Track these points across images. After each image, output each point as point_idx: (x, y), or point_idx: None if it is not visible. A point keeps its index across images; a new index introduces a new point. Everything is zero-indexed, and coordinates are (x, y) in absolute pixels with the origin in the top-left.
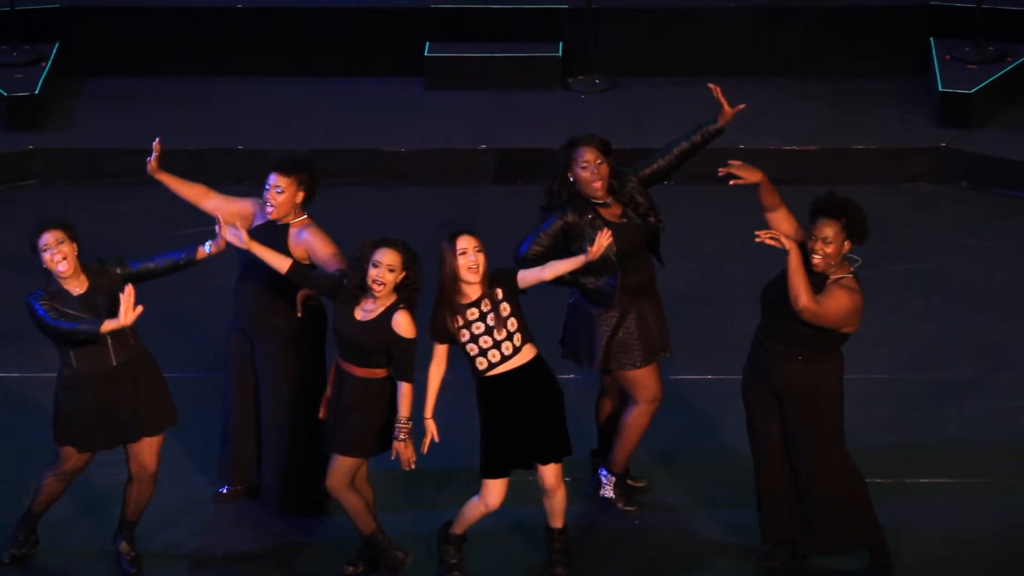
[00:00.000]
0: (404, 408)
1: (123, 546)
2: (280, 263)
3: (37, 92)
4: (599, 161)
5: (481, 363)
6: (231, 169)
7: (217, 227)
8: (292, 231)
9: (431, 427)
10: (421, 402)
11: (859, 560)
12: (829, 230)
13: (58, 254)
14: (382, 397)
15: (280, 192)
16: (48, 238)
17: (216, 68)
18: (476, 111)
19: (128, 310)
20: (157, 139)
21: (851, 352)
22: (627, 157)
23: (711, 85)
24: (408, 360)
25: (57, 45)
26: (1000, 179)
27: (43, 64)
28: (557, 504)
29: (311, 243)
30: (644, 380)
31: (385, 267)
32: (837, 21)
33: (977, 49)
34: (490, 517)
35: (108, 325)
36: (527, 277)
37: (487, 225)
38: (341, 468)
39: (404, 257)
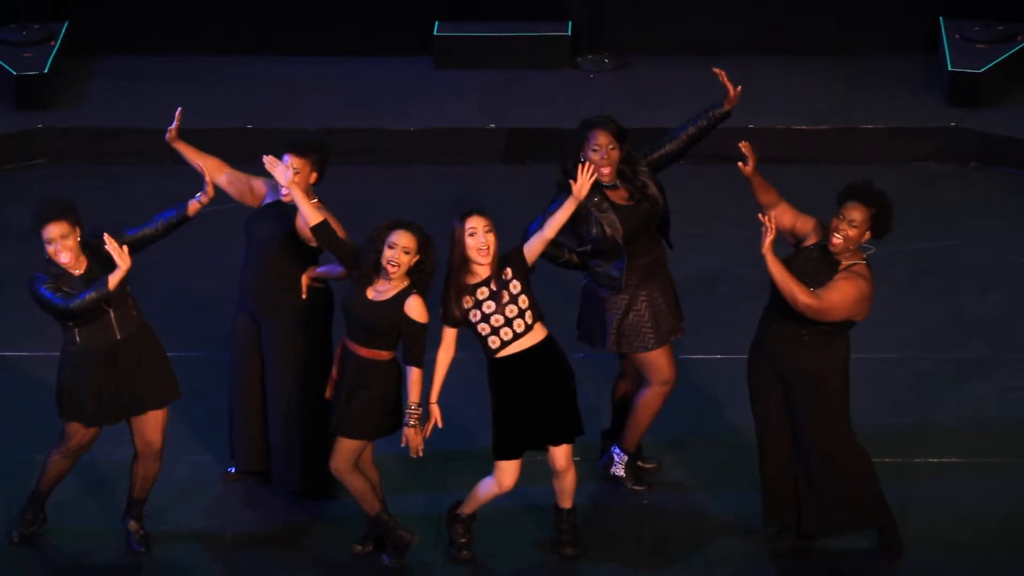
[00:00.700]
0: (414, 393)
1: (132, 525)
2: (312, 216)
3: (46, 71)
4: (611, 146)
5: (494, 342)
6: (240, 149)
7: (204, 177)
8: (300, 212)
9: (435, 412)
10: (427, 387)
11: (867, 540)
12: (858, 214)
13: (62, 249)
14: (386, 379)
15: (296, 173)
16: (52, 231)
17: (225, 47)
18: (485, 90)
19: (119, 253)
20: (179, 108)
21: (859, 332)
22: (636, 137)
23: (716, 69)
24: (419, 345)
25: (66, 24)
26: (1009, 159)
27: (52, 43)
28: (567, 485)
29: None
30: (657, 362)
31: (401, 249)
32: (846, 0)
33: (986, 28)
34: (499, 497)
35: (113, 279)
36: (532, 246)
37: (495, 204)
38: (344, 450)
39: (419, 240)
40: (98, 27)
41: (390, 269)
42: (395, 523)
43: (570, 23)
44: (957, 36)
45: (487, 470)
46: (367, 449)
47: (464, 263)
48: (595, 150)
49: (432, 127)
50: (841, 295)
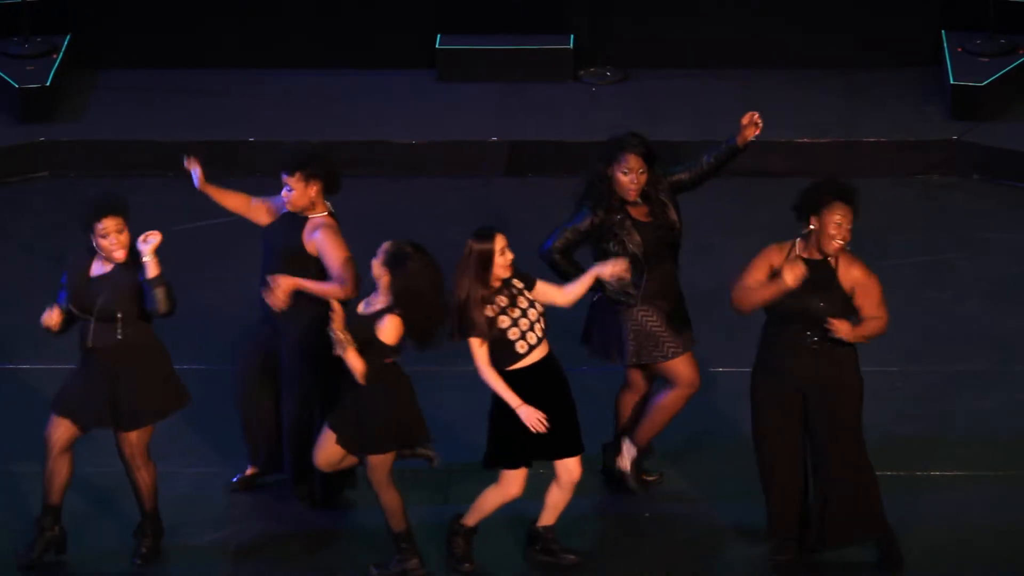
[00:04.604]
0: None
1: (141, 539)
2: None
3: (48, 84)
4: (641, 170)
5: (522, 346)
6: (243, 161)
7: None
8: (308, 226)
9: (530, 414)
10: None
11: (869, 553)
12: (847, 212)
13: (117, 243)
14: (378, 394)
15: (290, 191)
16: (109, 224)
17: (227, 60)
18: (487, 103)
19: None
20: (191, 160)
21: (861, 345)
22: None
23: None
24: (373, 357)
25: (68, 37)
26: (1012, 171)
27: (54, 56)
28: (563, 500)
29: (322, 243)
30: (681, 368)
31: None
32: (849, 13)
33: (989, 41)
34: (503, 507)
35: (151, 268)
36: (543, 292)
37: (498, 217)
38: (371, 464)
39: (386, 257)
40: (101, 40)
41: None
42: (414, 548)
43: (572, 36)
44: (959, 49)
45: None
46: (389, 463)
47: (485, 278)
48: (625, 172)
49: (435, 140)
50: (879, 291)
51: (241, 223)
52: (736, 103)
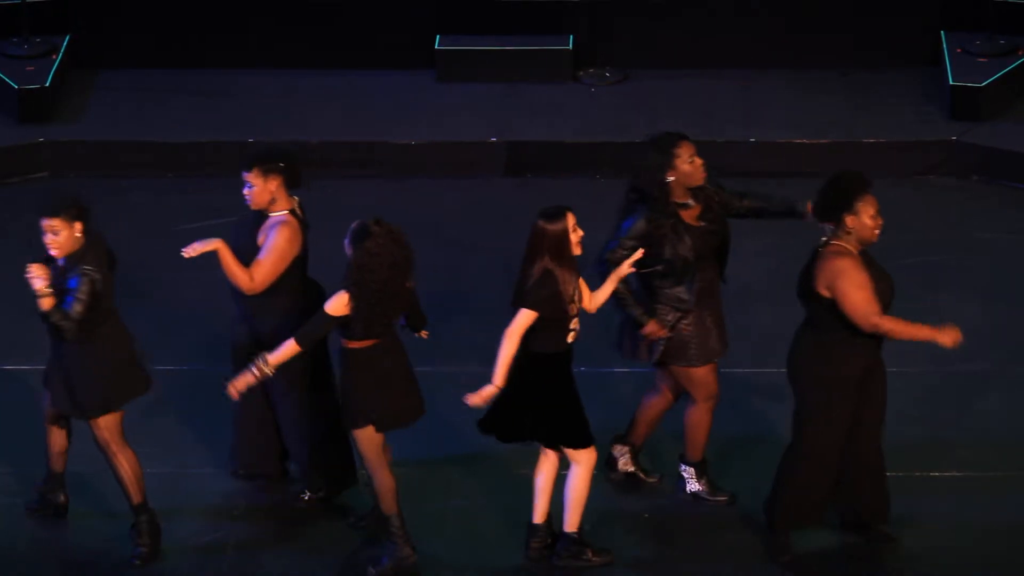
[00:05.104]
0: (276, 358)
1: (136, 537)
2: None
3: (48, 84)
4: (697, 155)
5: (571, 337)
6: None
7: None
8: (266, 223)
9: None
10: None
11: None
12: (876, 202)
13: (52, 242)
14: (354, 368)
15: (250, 187)
16: (45, 224)
17: (227, 61)
18: (487, 103)
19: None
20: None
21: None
22: (638, 150)
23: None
24: (311, 327)
25: (68, 38)
26: (1011, 172)
27: (54, 56)
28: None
29: (271, 235)
30: (702, 378)
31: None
32: (849, 14)
33: (988, 42)
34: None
35: (42, 304)
36: (582, 287)
37: (497, 218)
38: (358, 442)
39: (351, 232)
40: (100, 41)
41: None
42: (404, 534)
43: (571, 36)
44: (959, 50)
45: (493, 485)
46: (380, 442)
47: (559, 258)
48: (690, 162)
49: (434, 140)
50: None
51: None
52: (736, 103)
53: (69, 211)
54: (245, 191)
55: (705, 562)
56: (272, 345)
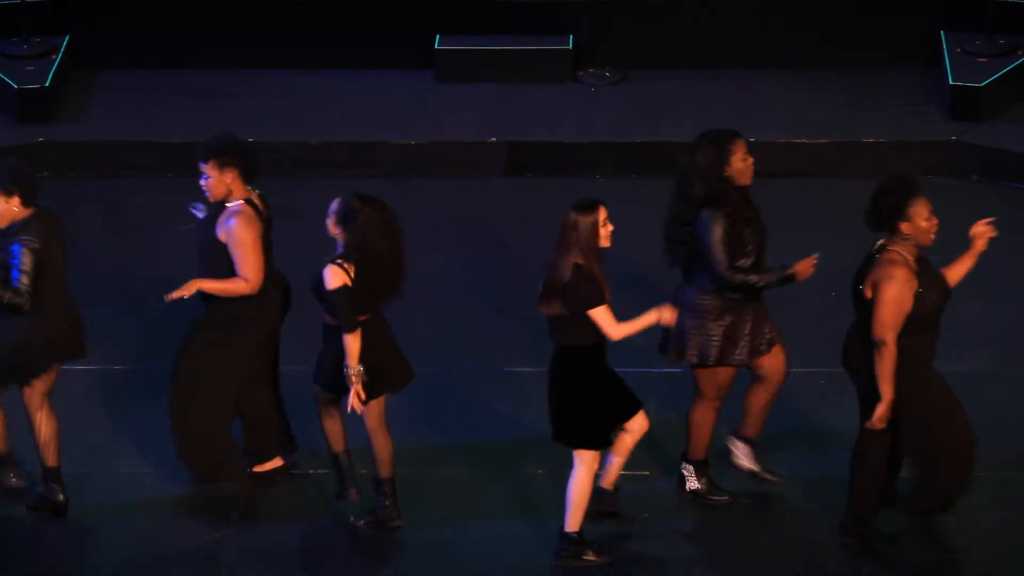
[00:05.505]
0: (350, 358)
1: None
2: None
3: (47, 84)
4: (748, 152)
5: None
6: None
7: None
8: (223, 215)
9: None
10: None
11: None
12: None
13: None
14: (337, 340)
15: (207, 179)
16: None
17: (226, 61)
18: (486, 104)
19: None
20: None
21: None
22: (638, 150)
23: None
24: (340, 310)
25: (68, 38)
26: (1011, 172)
27: (53, 56)
28: (625, 458)
29: (230, 232)
30: (718, 378)
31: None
32: (848, 14)
33: (988, 42)
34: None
35: None
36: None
37: (497, 218)
38: (365, 411)
39: (337, 215)
40: (100, 40)
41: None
42: (394, 499)
43: (571, 37)
44: (959, 50)
45: (495, 490)
46: (379, 408)
47: (588, 251)
48: (744, 159)
49: (433, 140)
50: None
51: None
52: (736, 103)
53: (4, 186)
54: (202, 182)
55: (705, 562)
56: (202, 332)
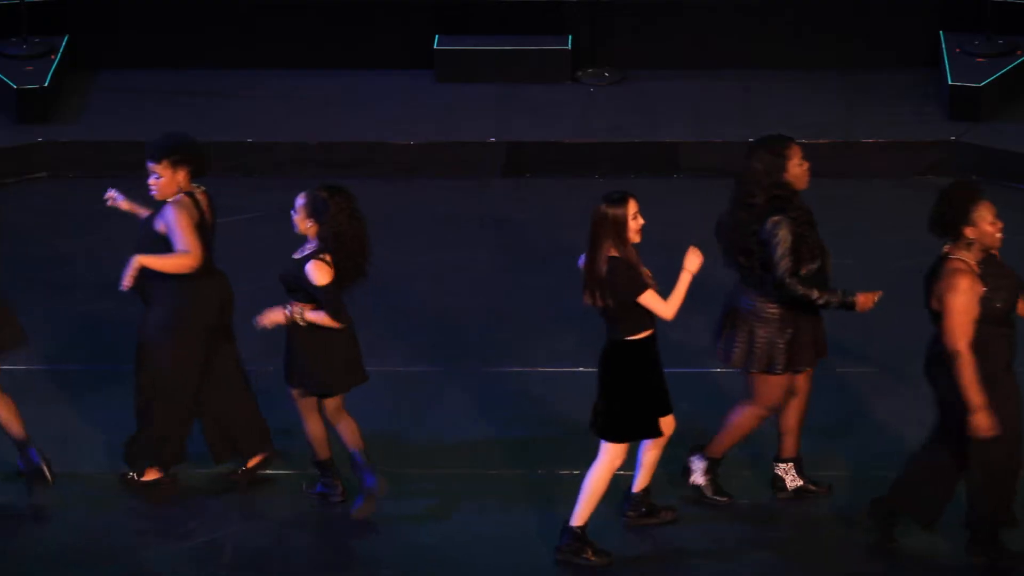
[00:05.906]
0: (312, 315)
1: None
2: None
3: (47, 85)
4: (804, 157)
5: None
6: (240, 162)
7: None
8: (164, 209)
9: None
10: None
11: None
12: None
13: None
14: (312, 337)
15: (158, 178)
16: None
17: (225, 61)
18: (485, 104)
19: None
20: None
21: (862, 346)
22: (637, 150)
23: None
24: (330, 303)
25: (67, 38)
26: (1010, 172)
27: (52, 57)
28: (658, 457)
29: (168, 218)
30: (773, 388)
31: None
32: (847, 14)
33: (987, 42)
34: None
35: None
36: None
37: (496, 218)
38: (331, 404)
39: (309, 203)
40: (99, 41)
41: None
42: (339, 477)
43: (570, 37)
44: (958, 50)
45: (495, 490)
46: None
47: (618, 243)
48: (800, 164)
49: (433, 140)
50: None
51: (239, 224)
52: (736, 103)
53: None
54: (151, 181)
55: (705, 562)
56: (150, 326)
